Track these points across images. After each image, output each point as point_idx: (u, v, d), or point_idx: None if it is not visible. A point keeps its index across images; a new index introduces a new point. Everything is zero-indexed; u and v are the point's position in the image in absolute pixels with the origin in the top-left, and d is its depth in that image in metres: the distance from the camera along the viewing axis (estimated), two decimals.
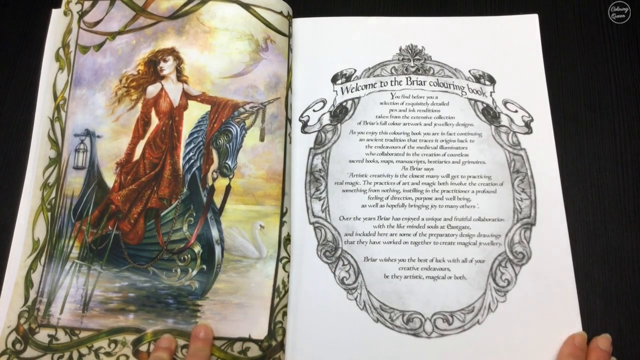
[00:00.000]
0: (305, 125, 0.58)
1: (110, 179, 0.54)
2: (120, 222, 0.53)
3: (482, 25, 0.62)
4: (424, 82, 0.59)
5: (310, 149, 0.57)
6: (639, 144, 0.57)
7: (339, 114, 0.58)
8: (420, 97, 0.59)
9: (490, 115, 0.58)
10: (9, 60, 0.63)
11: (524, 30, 0.61)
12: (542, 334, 0.49)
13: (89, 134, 0.56)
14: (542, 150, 0.56)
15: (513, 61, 0.60)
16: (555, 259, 0.52)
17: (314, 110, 0.58)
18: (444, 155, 0.56)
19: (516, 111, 0.58)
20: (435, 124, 0.57)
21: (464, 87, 0.59)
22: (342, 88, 0.59)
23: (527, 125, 0.57)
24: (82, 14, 0.61)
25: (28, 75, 0.61)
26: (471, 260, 0.52)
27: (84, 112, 0.57)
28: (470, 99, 0.58)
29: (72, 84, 0.58)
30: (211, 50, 0.57)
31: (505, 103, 0.58)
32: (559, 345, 0.49)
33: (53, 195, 0.54)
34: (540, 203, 0.54)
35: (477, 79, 0.59)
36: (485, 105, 0.58)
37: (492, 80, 0.59)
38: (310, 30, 0.62)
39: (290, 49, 0.59)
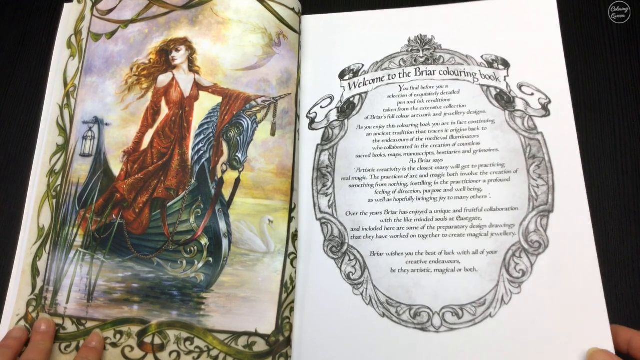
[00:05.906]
0: (312, 122, 0.58)
1: (116, 167, 0.53)
2: (124, 211, 0.52)
3: (493, 8, 0.60)
4: (434, 71, 0.58)
5: (318, 145, 0.56)
6: (639, 144, 0.57)
7: (346, 109, 0.58)
8: (430, 88, 0.58)
9: (504, 100, 0.56)
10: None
11: (539, 10, 0.59)
12: (562, 327, 0.47)
13: (97, 121, 0.55)
14: (561, 133, 0.54)
15: (528, 43, 0.58)
16: (577, 246, 0.49)
17: (321, 107, 0.58)
18: (454, 145, 0.55)
19: (532, 94, 0.56)
20: (445, 114, 0.56)
21: (475, 74, 0.58)
22: (349, 84, 0.59)
23: (545, 107, 0.55)
24: (96, 1, 0.60)
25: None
26: (482, 252, 0.50)
27: (94, 100, 0.56)
28: (482, 85, 0.57)
29: (83, 72, 0.58)
30: (224, 41, 0.57)
31: (520, 87, 0.57)
32: (581, 338, 0.46)
33: (59, 182, 0.53)
34: (559, 189, 0.52)
35: (490, 64, 0.58)
36: (498, 90, 0.57)
37: (506, 64, 0.58)
38: (319, 27, 0.61)
39: (299, 46, 0.60)
